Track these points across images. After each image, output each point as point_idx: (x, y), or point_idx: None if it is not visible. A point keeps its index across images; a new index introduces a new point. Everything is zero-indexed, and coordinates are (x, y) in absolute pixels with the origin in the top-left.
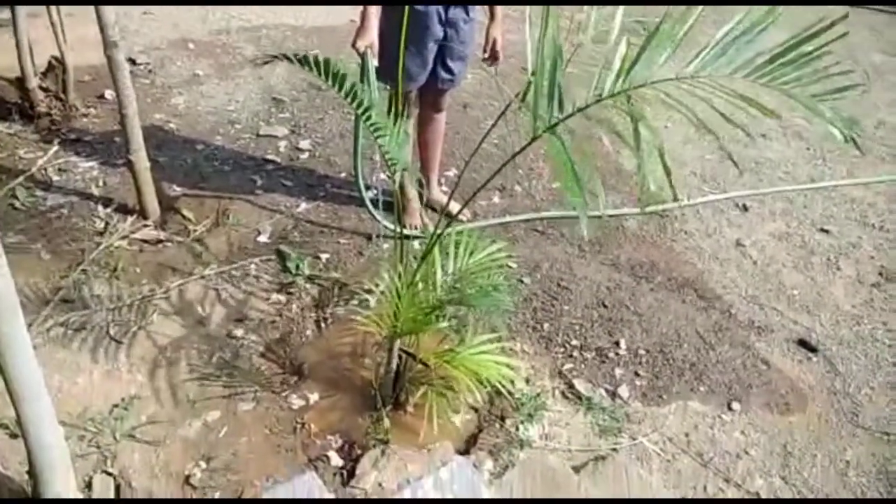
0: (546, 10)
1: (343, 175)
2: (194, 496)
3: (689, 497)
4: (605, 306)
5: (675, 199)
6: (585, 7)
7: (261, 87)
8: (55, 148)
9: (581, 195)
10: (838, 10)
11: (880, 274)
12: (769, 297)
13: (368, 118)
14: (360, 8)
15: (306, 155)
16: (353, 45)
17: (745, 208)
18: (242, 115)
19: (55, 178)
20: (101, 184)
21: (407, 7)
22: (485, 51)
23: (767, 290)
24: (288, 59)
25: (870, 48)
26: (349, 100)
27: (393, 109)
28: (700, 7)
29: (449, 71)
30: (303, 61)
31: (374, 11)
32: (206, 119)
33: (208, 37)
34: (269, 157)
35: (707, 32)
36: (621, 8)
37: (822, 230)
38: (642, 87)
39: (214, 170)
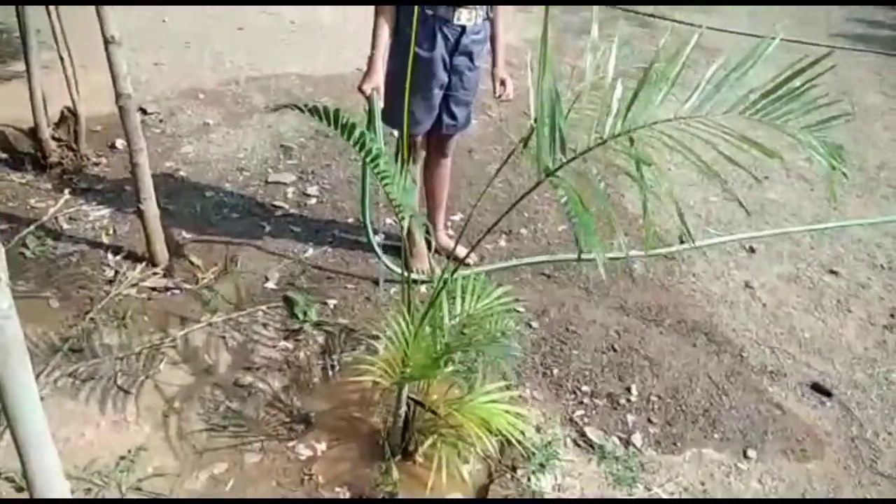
0: (544, 58)
1: (350, 220)
2: None
3: None
4: (614, 350)
5: (682, 241)
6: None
7: (269, 135)
8: (66, 197)
9: (594, 235)
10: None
11: (892, 315)
12: (781, 340)
13: (376, 166)
14: (367, 56)
15: (314, 201)
16: (360, 88)
17: (752, 250)
18: (251, 163)
19: (66, 226)
20: (111, 232)
21: (412, 54)
22: (494, 91)
23: (779, 333)
24: (298, 108)
25: (870, 89)
26: (357, 148)
27: (400, 155)
28: (691, 45)
29: (453, 117)
30: (313, 111)
31: (380, 57)
32: (216, 167)
33: (218, 86)
34: (278, 203)
35: (701, 72)
36: (614, 54)
37: (831, 272)
38: (641, 128)
39: (223, 217)
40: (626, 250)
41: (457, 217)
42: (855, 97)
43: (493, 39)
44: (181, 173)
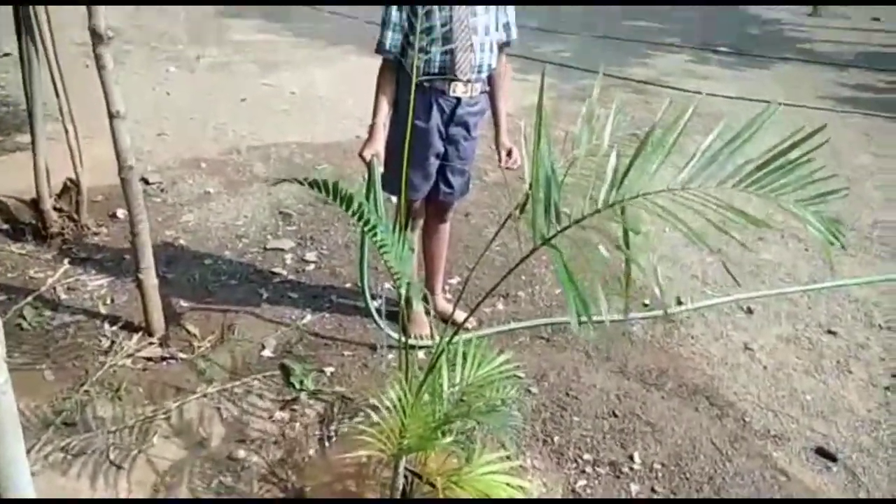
0: (539, 127)
1: (348, 285)
2: None
3: None
4: (615, 416)
5: (679, 303)
6: (578, 121)
7: (269, 202)
8: (65, 267)
9: (583, 303)
10: (820, 117)
11: (893, 376)
12: (783, 403)
13: (374, 234)
14: (364, 125)
15: (312, 266)
16: (360, 154)
17: (750, 311)
18: (250, 230)
19: (63, 296)
20: (108, 301)
21: (410, 123)
22: (500, 160)
23: (780, 396)
24: (298, 181)
25: (859, 150)
26: (356, 219)
27: (397, 221)
28: (686, 116)
29: (450, 185)
30: (312, 184)
31: (381, 125)
32: (215, 235)
33: (220, 156)
34: (276, 269)
35: (696, 139)
36: (610, 122)
37: (830, 332)
38: (635, 198)
39: (221, 284)
40: (626, 312)
41: (454, 280)
42: (845, 157)
43: (494, 111)
44: (181, 241)
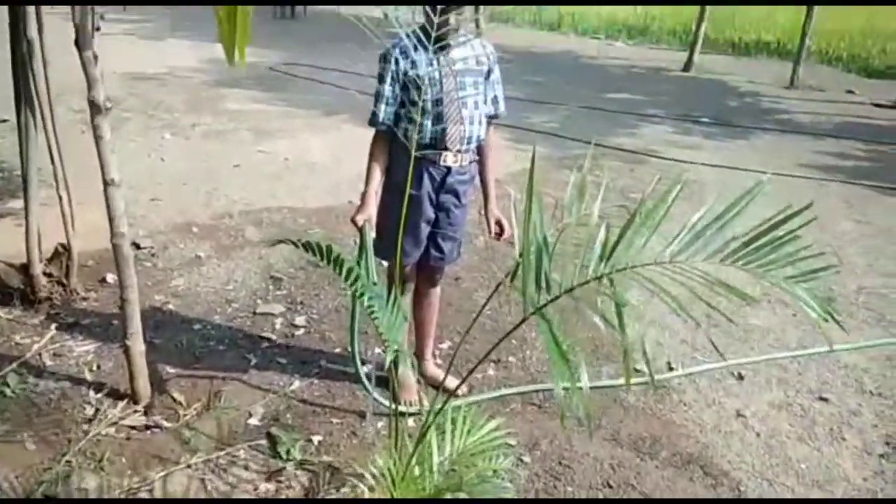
0: (529, 199)
1: (338, 350)
2: None
3: None
4: (610, 486)
5: (671, 369)
6: (567, 188)
7: (260, 266)
8: (52, 332)
9: (570, 375)
10: (802, 185)
11: (887, 443)
12: (777, 472)
13: (365, 300)
14: (359, 190)
15: (301, 331)
16: (353, 219)
17: (741, 377)
18: (240, 294)
19: (49, 363)
20: (94, 368)
21: (407, 193)
22: (490, 231)
23: (774, 464)
24: (293, 243)
25: (840, 217)
26: (348, 283)
27: (388, 286)
28: (676, 191)
29: (440, 250)
30: (306, 247)
31: (373, 191)
32: (205, 299)
33: (212, 220)
34: (265, 334)
35: (688, 212)
36: (600, 195)
37: (821, 398)
38: (623, 270)
39: (209, 350)
40: (627, 381)
41: (445, 345)
42: (828, 224)
43: (483, 181)
44: (170, 306)
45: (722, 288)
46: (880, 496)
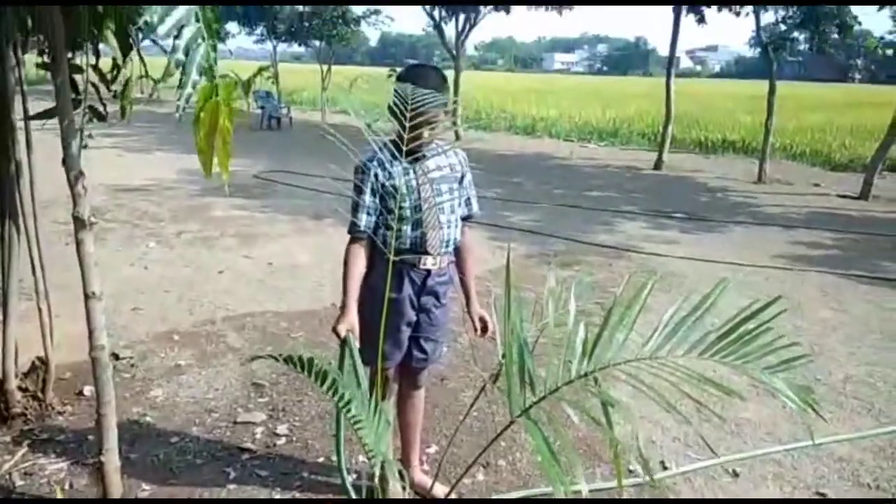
0: (508, 296)
1: (321, 459)
2: None
3: None
4: None
5: (664, 468)
6: (545, 288)
7: (241, 373)
8: (24, 450)
9: (561, 476)
10: (777, 275)
11: None
12: None
13: (349, 411)
14: (340, 293)
15: (283, 440)
16: (334, 329)
17: (736, 474)
18: (221, 403)
19: (19, 482)
20: (67, 486)
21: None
22: (475, 329)
23: None
24: (273, 357)
25: (818, 306)
26: (330, 395)
27: (372, 392)
28: (649, 287)
29: (423, 351)
30: (287, 360)
31: (353, 300)
32: (184, 410)
33: (193, 328)
34: (246, 445)
35: (669, 305)
36: (573, 293)
37: (819, 493)
38: (605, 368)
39: (187, 464)
40: (619, 483)
41: (432, 450)
42: (807, 313)
43: (463, 281)
44: (147, 419)
45: (707, 383)
46: None
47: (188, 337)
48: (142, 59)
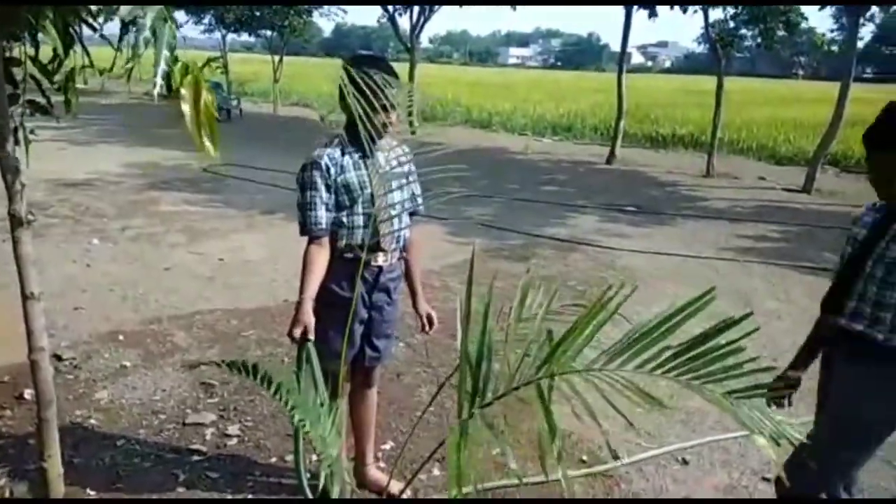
0: (468, 300)
1: (274, 459)
2: None
3: None
4: None
5: (616, 458)
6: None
7: (189, 374)
8: None
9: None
10: (724, 267)
11: None
12: None
13: (298, 417)
14: (295, 287)
15: (234, 441)
16: (289, 333)
17: (686, 462)
18: (168, 404)
19: None
20: (7, 494)
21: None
22: (422, 326)
23: None
24: (216, 364)
25: (765, 296)
26: (280, 401)
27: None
28: (616, 302)
29: (375, 349)
30: (231, 366)
31: (309, 301)
32: (130, 412)
33: (139, 326)
34: (195, 446)
35: (640, 312)
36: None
37: (764, 479)
38: (552, 377)
39: (134, 467)
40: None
41: (388, 446)
42: (755, 304)
43: (409, 278)
44: (92, 421)
45: (641, 397)
46: None
47: (133, 336)
48: (85, 49)
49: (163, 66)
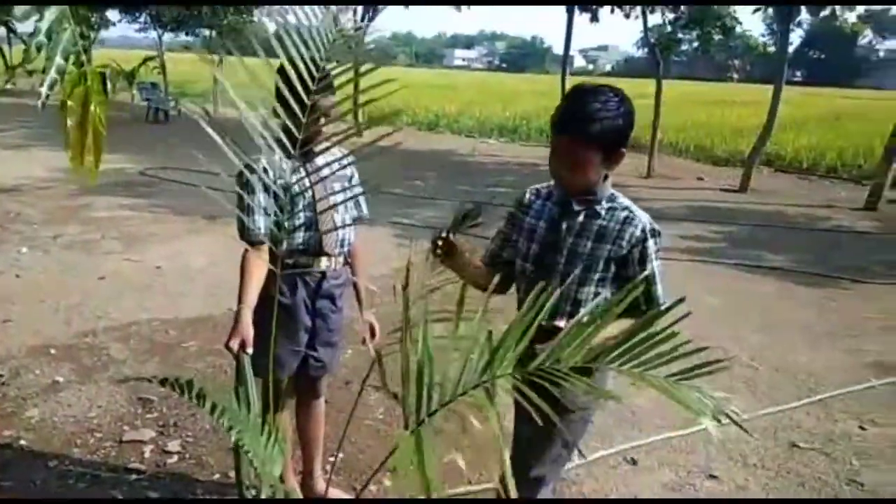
0: (406, 306)
1: (217, 476)
2: None
3: None
4: None
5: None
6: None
7: (126, 388)
8: None
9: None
10: (672, 274)
11: None
12: None
13: (237, 434)
14: (237, 297)
15: (175, 458)
16: (226, 345)
17: (635, 462)
18: (104, 421)
19: None
20: None
21: (276, 300)
22: (363, 339)
23: None
24: (147, 380)
25: (704, 294)
26: (217, 419)
27: (266, 406)
28: (549, 303)
29: (318, 359)
30: (162, 383)
31: (249, 311)
32: (63, 430)
33: (72, 339)
34: (133, 465)
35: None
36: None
37: (711, 476)
38: (497, 378)
39: (67, 489)
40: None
41: (338, 457)
42: (698, 302)
43: (355, 286)
44: (22, 442)
45: (591, 391)
46: None
47: (66, 350)
48: (0, 51)
49: (52, 75)
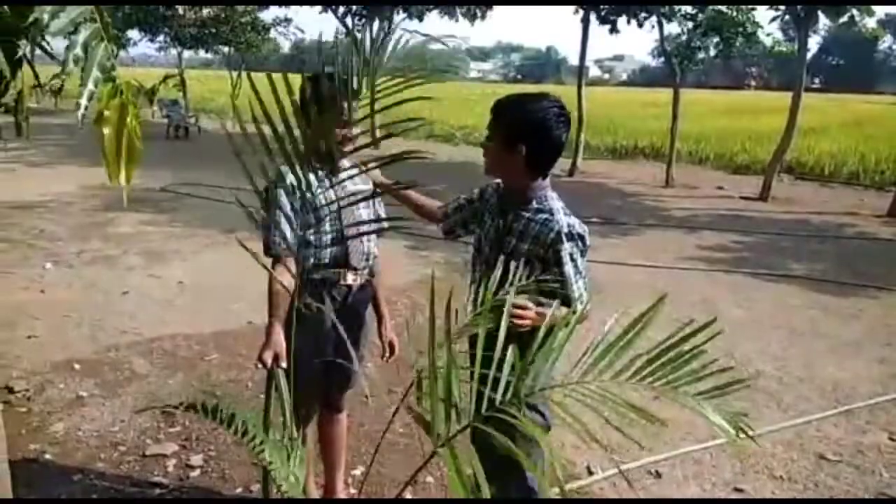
0: (432, 322)
1: (239, 490)
2: None
3: None
4: None
5: (590, 473)
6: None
7: (149, 402)
8: None
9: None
10: (687, 276)
11: None
12: None
13: (260, 453)
14: (259, 309)
15: (198, 472)
16: (260, 358)
17: (659, 475)
18: (128, 435)
19: None
20: None
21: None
22: (383, 353)
23: None
24: (174, 408)
25: (730, 305)
26: (240, 437)
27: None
28: (574, 319)
29: (344, 373)
30: (189, 407)
31: (279, 324)
32: (87, 444)
33: (96, 355)
34: (156, 479)
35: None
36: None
37: (737, 489)
38: (531, 395)
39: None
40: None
41: (358, 471)
42: (721, 313)
43: (375, 301)
44: (47, 456)
45: (627, 408)
46: None
47: (90, 365)
48: (32, 68)
49: (90, 87)
